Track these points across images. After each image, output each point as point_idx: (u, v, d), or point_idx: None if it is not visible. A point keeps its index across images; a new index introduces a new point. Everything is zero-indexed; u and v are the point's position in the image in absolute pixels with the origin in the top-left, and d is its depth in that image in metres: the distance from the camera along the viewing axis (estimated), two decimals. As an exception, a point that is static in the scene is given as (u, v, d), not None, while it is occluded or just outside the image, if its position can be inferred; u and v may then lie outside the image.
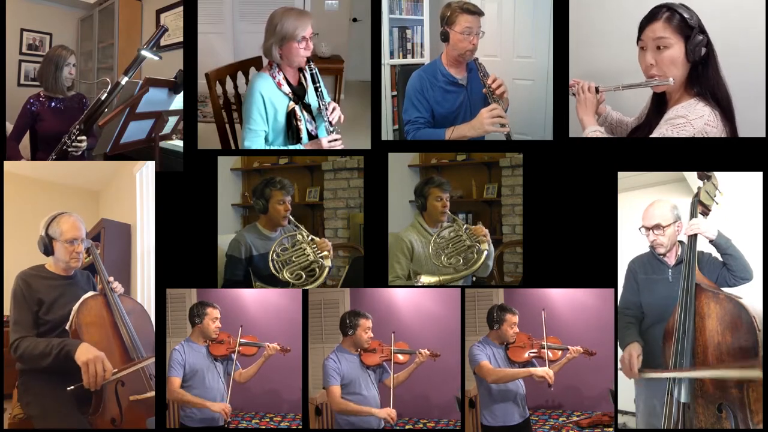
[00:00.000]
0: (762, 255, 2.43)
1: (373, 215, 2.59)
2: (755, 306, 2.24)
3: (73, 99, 2.89)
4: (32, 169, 2.82)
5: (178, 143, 2.88)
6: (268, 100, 2.50)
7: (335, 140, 2.57)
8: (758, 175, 2.48)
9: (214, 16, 3.21)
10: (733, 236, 2.30)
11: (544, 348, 2.41)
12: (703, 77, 2.25)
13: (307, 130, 2.59)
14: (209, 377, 2.44)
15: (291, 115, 2.55)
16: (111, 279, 2.52)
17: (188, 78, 2.61)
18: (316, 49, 2.66)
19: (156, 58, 2.62)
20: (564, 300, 2.62)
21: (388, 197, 2.59)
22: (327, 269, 2.47)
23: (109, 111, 2.61)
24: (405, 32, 3.29)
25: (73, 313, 2.36)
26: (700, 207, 2.31)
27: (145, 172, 2.90)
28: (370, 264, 2.59)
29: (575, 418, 2.72)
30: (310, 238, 2.50)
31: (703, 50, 2.23)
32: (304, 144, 2.58)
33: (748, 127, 2.40)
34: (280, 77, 2.53)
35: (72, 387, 2.24)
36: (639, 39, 2.29)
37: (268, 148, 2.55)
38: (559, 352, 2.42)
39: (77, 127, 2.59)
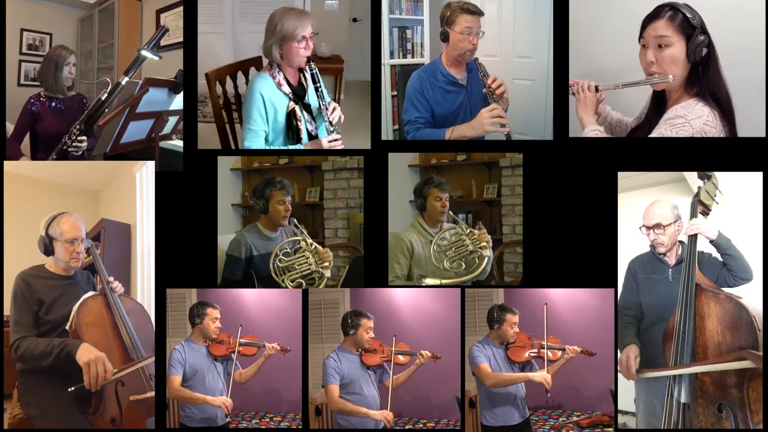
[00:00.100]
0: (762, 255, 2.43)
1: (373, 215, 2.59)
2: (755, 306, 2.24)
3: (73, 99, 2.90)
4: (32, 169, 2.82)
5: (178, 143, 2.88)
6: (268, 100, 2.50)
7: (335, 140, 2.57)
8: (758, 175, 2.48)
9: (214, 16, 3.22)
10: (733, 236, 2.30)
11: (543, 348, 2.41)
12: (703, 78, 2.25)
13: (307, 130, 2.59)
14: (209, 377, 2.44)
15: (291, 115, 2.55)
16: (111, 279, 2.52)
17: (188, 78, 2.61)
18: (316, 49, 2.66)
19: (156, 58, 2.62)
20: (564, 300, 2.62)
21: (388, 197, 2.59)
22: (326, 279, 2.51)
23: (109, 111, 2.61)
24: (405, 32, 3.29)
25: (73, 313, 2.36)
26: (701, 207, 2.31)
27: (145, 172, 2.90)
28: (370, 264, 2.59)
29: (575, 418, 2.72)
30: (313, 247, 2.51)
31: (704, 51, 2.23)
32: (304, 144, 2.58)
33: (748, 127, 2.40)
34: (280, 77, 2.53)
35: (73, 388, 2.24)
36: (641, 36, 2.29)
37: (268, 148, 2.56)
38: (559, 353, 2.42)
39: (78, 127, 2.59)
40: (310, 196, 3.76)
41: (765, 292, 2.43)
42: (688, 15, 2.22)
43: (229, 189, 3.62)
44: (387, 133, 2.81)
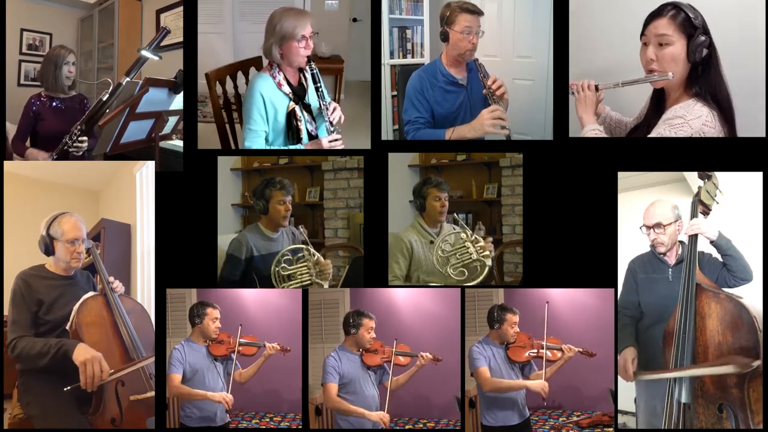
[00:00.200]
0: (762, 255, 2.43)
1: (373, 215, 2.59)
2: (756, 306, 2.24)
3: (73, 99, 2.89)
4: (32, 169, 2.82)
5: (178, 143, 2.88)
6: (269, 101, 2.50)
7: (335, 140, 2.57)
8: (758, 175, 2.48)
9: (214, 16, 3.22)
10: (733, 236, 2.30)
11: (543, 348, 2.41)
12: (703, 78, 2.25)
13: (307, 130, 2.59)
14: (209, 377, 2.44)
15: (291, 116, 2.55)
16: (111, 279, 2.52)
17: (188, 78, 2.61)
18: (316, 49, 2.66)
19: (156, 58, 2.62)
20: (564, 300, 2.62)
21: (388, 197, 2.58)
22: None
23: (110, 111, 2.61)
24: (405, 32, 3.29)
25: (73, 313, 2.36)
26: (701, 207, 2.31)
27: (145, 172, 2.90)
28: (370, 264, 2.58)
29: (575, 418, 2.72)
30: (315, 258, 2.52)
31: (705, 51, 2.23)
32: (305, 144, 2.58)
33: (748, 127, 2.40)
34: (280, 77, 2.53)
35: (69, 387, 2.24)
36: (642, 34, 2.29)
37: (268, 148, 2.56)
38: (559, 353, 2.42)
39: (78, 127, 2.59)
40: (310, 196, 3.76)
41: (765, 292, 2.43)
42: (691, 15, 2.22)
43: (229, 189, 3.62)
44: (387, 133, 2.81)
